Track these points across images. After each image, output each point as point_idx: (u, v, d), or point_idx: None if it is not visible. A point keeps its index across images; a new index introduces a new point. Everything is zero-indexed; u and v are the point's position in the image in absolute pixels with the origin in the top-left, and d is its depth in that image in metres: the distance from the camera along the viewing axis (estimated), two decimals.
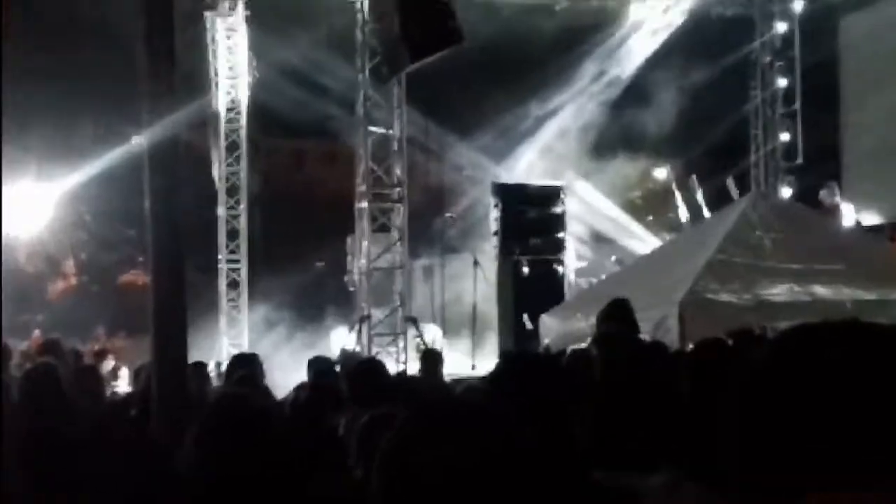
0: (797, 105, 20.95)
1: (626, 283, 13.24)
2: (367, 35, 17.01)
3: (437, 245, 20.57)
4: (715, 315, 11.02)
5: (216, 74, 19.77)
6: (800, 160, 20.91)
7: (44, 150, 21.28)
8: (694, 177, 20.47)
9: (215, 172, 20.26)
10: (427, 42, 14.28)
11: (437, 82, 18.95)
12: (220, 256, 20.09)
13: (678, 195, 20.93)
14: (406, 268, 17.72)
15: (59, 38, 22.32)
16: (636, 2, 20.74)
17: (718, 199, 18.59)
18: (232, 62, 19.72)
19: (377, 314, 17.23)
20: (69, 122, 23.10)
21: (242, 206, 20.07)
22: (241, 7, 18.92)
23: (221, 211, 20.05)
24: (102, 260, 24.71)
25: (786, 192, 20.56)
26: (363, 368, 6.95)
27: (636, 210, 23.39)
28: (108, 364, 14.71)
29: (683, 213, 20.67)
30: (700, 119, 21.82)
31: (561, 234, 19.15)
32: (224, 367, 11.23)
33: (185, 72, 14.16)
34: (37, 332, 18.73)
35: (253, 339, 19.30)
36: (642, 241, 21.34)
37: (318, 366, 9.23)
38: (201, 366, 9.43)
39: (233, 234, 20.08)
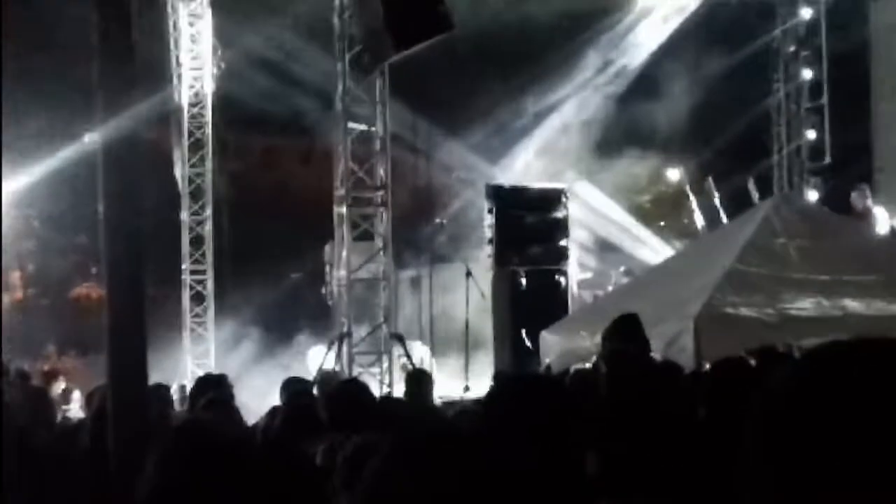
0: (824, 99, 21.02)
1: (636, 296, 13.23)
2: (347, 21, 17.01)
3: (426, 254, 20.56)
4: (734, 332, 11.02)
5: (178, 65, 19.76)
6: (827, 160, 20.97)
7: None
8: (710, 178, 20.49)
9: (178, 173, 20.24)
10: (413, 30, 14.29)
11: (425, 74, 18.95)
12: (183, 267, 20.07)
13: (693, 199, 20.95)
14: (391, 279, 17.70)
15: None
16: None
17: (737, 203, 18.61)
18: (195, 51, 19.72)
19: (359, 331, 17.20)
20: (13, 118, 23.05)
21: (208, 212, 20.06)
22: None
23: (185, 216, 20.04)
24: (52, 271, 24.65)
25: (812, 194, 20.62)
26: (344, 391, 6.94)
27: (646, 215, 23.41)
28: (59, 386, 14.67)
29: (698, 219, 20.68)
30: (717, 114, 21.87)
31: (563, 242, 19.15)
32: (188, 390, 11.20)
33: (144, 62, 14.15)
34: None
35: (220, 358, 19.27)
36: (653, 249, 21.36)
37: (293, 388, 9.21)
38: (163, 389, 9.41)
39: (197, 242, 20.05)
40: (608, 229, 22.01)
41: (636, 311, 8.25)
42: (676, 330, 11.23)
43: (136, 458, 4.83)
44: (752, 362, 6.46)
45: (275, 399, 9.27)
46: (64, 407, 13.76)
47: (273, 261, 23.14)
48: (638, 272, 18.56)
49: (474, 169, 22.71)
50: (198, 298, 19.99)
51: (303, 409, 7.45)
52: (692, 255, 16.07)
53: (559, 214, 19.23)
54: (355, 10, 16.48)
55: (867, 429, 1.30)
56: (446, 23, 14.06)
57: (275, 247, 23.30)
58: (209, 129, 20.02)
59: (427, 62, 16.48)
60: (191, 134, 19.94)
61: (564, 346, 13.21)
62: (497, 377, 11.27)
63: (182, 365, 19.14)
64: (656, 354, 8.85)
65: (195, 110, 19.95)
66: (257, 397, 12.29)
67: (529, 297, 18.19)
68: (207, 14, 19.27)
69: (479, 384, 15.63)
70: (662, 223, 23.20)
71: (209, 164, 20.10)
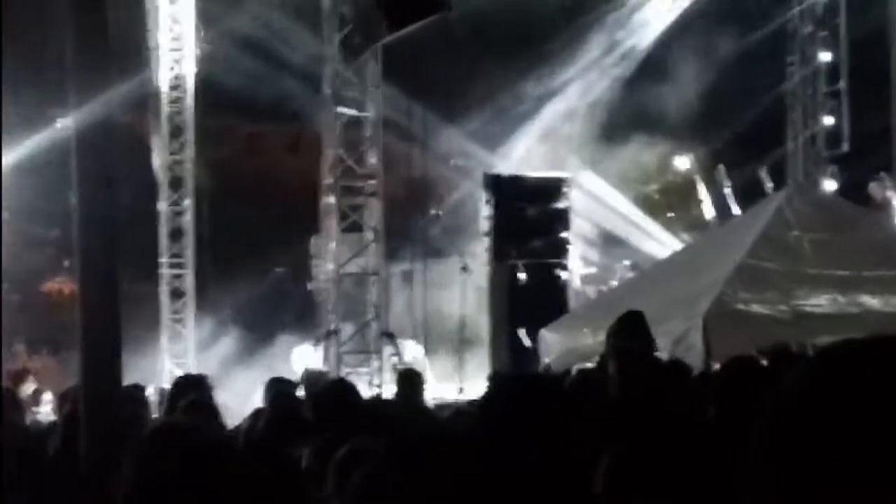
0: (842, 83, 21.01)
1: (641, 291, 13.25)
2: (337, 0, 17.01)
3: (419, 247, 20.58)
4: (745, 330, 11.05)
5: (157, 46, 19.73)
6: (845, 147, 20.96)
7: None
8: (721, 167, 20.51)
9: (156, 161, 20.21)
10: (407, 9, 14.29)
11: (420, 56, 18.95)
12: (161, 260, 20.04)
13: (702, 188, 20.97)
14: (381, 274, 17.72)
15: None
16: None
17: (749, 194, 18.63)
18: (176, 31, 19.68)
19: (347, 328, 17.22)
20: None
21: (188, 202, 20.04)
22: None
23: (163, 207, 20.01)
24: (22, 265, 24.63)
25: (829, 185, 20.60)
26: (331, 391, 6.95)
27: (653, 206, 23.42)
28: (29, 387, 14.69)
29: (708, 210, 20.71)
30: (728, 99, 21.86)
31: (564, 235, 19.18)
32: (166, 392, 11.19)
33: (120, 42, 14.13)
34: None
35: (200, 358, 19.26)
36: (660, 242, 21.38)
37: (278, 389, 9.21)
38: (139, 390, 9.40)
39: (176, 234, 20.03)
40: (612, 221, 22.02)
41: (641, 308, 8.26)
42: (684, 328, 11.26)
43: (109, 463, 4.84)
44: (764, 362, 6.47)
45: (258, 401, 9.27)
46: (34, 409, 13.76)
47: (257, 254, 23.12)
48: (644, 267, 18.57)
49: (471, 157, 22.70)
50: (176, 294, 19.98)
51: (287, 410, 7.45)
52: (701, 248, 16.10)
53: (560, 205, 19.24)
54: None
55: (880, 430, 1.30)
56: (442, 2, 14.05)
57: (259, 239, 23.27)
58: (190, 115, 19.99)
59: (422, 43, 16.49)
60: (170, 119, 19.90)
61: (565, 345, 13.23)
62: (493, 378, 11.27)
63: (160, 365, 19.13)
64: (663, 354, 8.88)
65: (175, 94, 19.92)
66: (239, 399, 12.31)
67: (528, 293, 18.21)
68: None
69: (475, 385, 15.66)
70: (670, 214, 23.22)
71: (189, 152, 20.07)
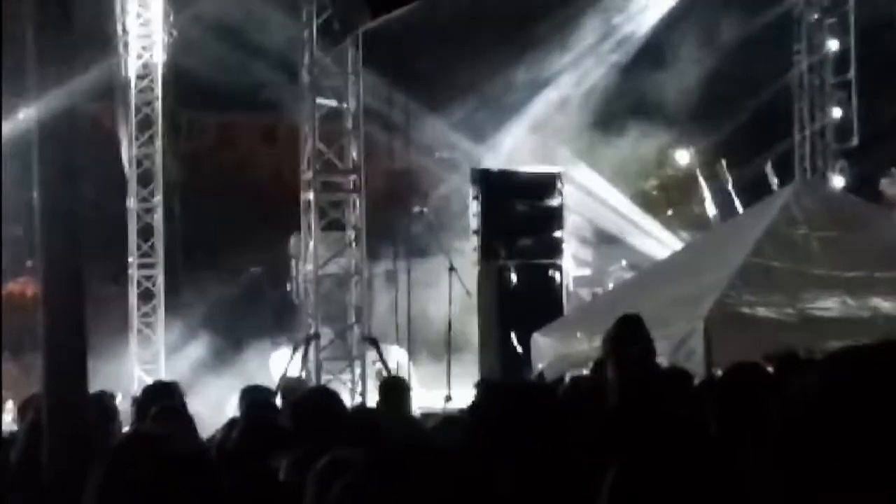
0: (851, 73, 21.06)
1: (639, 294, 13.27)
2: None
3: (403, 246, 20.56)
4: (750, 334, 11.07)
5: (124, 32, 19.69)
6: (855, 141, 21.02)
7: None
8: (723, 161, 20.55)
9: (124, 155, 20.18)
10: None
11: (403, 42, 18.93)
12: (129, 260, 20.02)
13: (704, 184, 21.00)
14: (363, 275, 17.70)
15: None
16: None
17: (754, 190, 18.67)
18: (144, 17, 19.65)
19: (327, 333, 17.20)
20: None
21: (158, 198, 20.01)
22: None
23: (132, 203, 19.98)
24: None
25: (837, 180, 20.67)
26: (311, 398, 6.95)
27: (651, 203, 23.46)
28: None
29: (710, 207, 20.74)
30: (731, 89, 21.91)
31: (557, 233, 19.18)
32: (135, 399, 11.17)
33: (85, 28, 14.10)
34: None
35: (170, 363, 19.24)
36: (658, 241, 21.41)
37: (254, 397, 9.21)
38: (106, 397, 9.39)
39: (146, 233, 20.00)
40: (608, 219, 22.05)
41: (639, 311, 8.27)
42: (685, 332, 11.27)
43: (74, 475, 4.83)
44: (770, 369, 6.48)
45: (233, 409, 9.26)
46: None
47: (231, 254, 23.12)
48: (641, 267, 18.59)
49: (458, 150, 22.72)
50: (146, 296, 19.94)
51: (264, 420, 7.44)
52: (702, 247, 16.12)
53: (553, 202, 19.25)
54: None
55: (888, 437, 1.31)
56: None
57: (233, 238, 23.27)
58: (159, 105, 19.96)
59: (405, 29, 16.47)
60: (138, 110, 19.87)
61: (559, 351, 13.24)
62: (481, 385, 11.27)
63: (128, 371, 19.10)
64: (662, 359, 8.89)
65: (143, 83, 19.89)
66: (213, 407, 12.29)
67: (520, 295, 18.22)
68: None
69: (463, 393, 15.65)
70: (670, 212, 23.26)
71: (159, 145, 20.04)
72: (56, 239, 6.29)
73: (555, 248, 19.11)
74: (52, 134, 6.30)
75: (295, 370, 16.45)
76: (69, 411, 6.19)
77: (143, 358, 19.61)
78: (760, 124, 21.83)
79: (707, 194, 20.82)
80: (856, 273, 12.24)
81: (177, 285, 20.77)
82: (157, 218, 20.02)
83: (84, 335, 6.34)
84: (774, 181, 18.84)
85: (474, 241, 19.10)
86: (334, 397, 7.06)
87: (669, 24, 21.56)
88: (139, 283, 19.93)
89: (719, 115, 22.32)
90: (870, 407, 1.35)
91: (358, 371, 17.09)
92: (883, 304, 11.92)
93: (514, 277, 18.53)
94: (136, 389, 15.00)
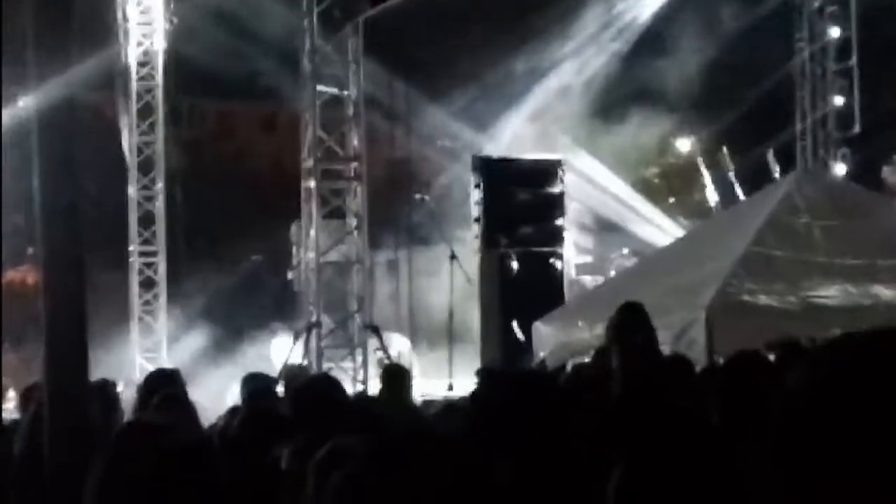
0: (853, 61, 21.03)
1: (640, 282, 13.27)
2: None
3: (404, 234, 20.56)
4: (751, 322, 11.06)
5: (125, 19, 19.67)
6: (857, 129, 20.99)
7: None
8: (725, 149, 20.53)
9: (124, 143, 20.17)
10: None
11: (403, 30, 18.91)
12: (130, 248, 20.01)
13: (705, 172, 20.99)
14: (365, 263, 17.70)
15: None
16: None
17: (755, 178, 18.65)
18: (144, 4, 19.63)
19: (328, 321, 17.20)
20: None
21: (159, 185, 19.99)
22: None
23: (132, 191, 19.97)
24: None
25: (839, 168, 20.65)
26: (312, 386, 6.94)
27: (653, 190, 23.44)
28: None
29: (711, 195, 20.73)
30: (733, 77, 21.88)
31: (559, 221, 19.18)
32: (138, 388, 11.17)
33: (84, 15, 14.08)
34: None
35: (172, 351, 19.25)
36: (660, 229, 21.41)
37: (255, 385, 9.21)
38: (108, 385, 9.39)
39: (147, 220, 19.99)
40: (609, 206, 22.04)
41: (641, 300, 8.27)
42: (686, 321, 11.27)
43: (75, 464, 4.83)
44: (772, 357, 6.47)
45: (233, 397, 9.26)
46: None
47: (232, 241, 23.10)
48: (643, 255, 18.59)
49: (459, 138, 22.70)
50: (147, 284, 19.94)
51: (265, 408, 7.45)
52: (704, 236, 16.11)
53: (554, 190, 19.24)
54: None
55: (887, 431, 1.30)
56: None
57: (234, 226, 23.25)
58: (160, 93, 19.94)
59: (405, 16, 16.44)
60: (139, 98, 19.85)
61: (560, 339, 13.24)
62: (482, 373, 11.27)
63: (129, 359, 19.10)
64: (664, 348, 8.88)
65: (144, 71, 19.87)
66: (214, 395, 12.30)
67: (521, 283, 18.22)
68: None
69: (465, 381, 15.65)
70: (671, 200, 23.25)
71: (160, 133, 20.02)
72: (57, 227, 6.27)
73: (556, 236, 19.11)
74: (52, 122, 6.29)
75: (296, 358, 16.47)
76: (70, 401, 6.19)
77: (145, 346, 19.61)
78: (762, 112, 21.80)
79: (708, 182, 20.82)
80: (857, 261, 12.24)
81: (178, 274, 20.77)
82: (159, 206, 20.01)
83: (85, 324, 6.34)
84: (776, 169, 18.82)
85: (475, 229, 19.10)
86: (335, 385, 7.06)
87: (671, 12, 21.53)
88: (140, 272, 19.92)
89: (721, 103, 22.30)
90: (869, 398, 1.34)
91: (359, 359, 17.09)
92: (885, 292, 11.91)
93: (515, 265, 18.53)
94: (138, 377, 15.00)
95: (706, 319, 11.14)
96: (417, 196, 20.92)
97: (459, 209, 20.48)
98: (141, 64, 19.85)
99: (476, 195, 19.13)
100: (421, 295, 19.95)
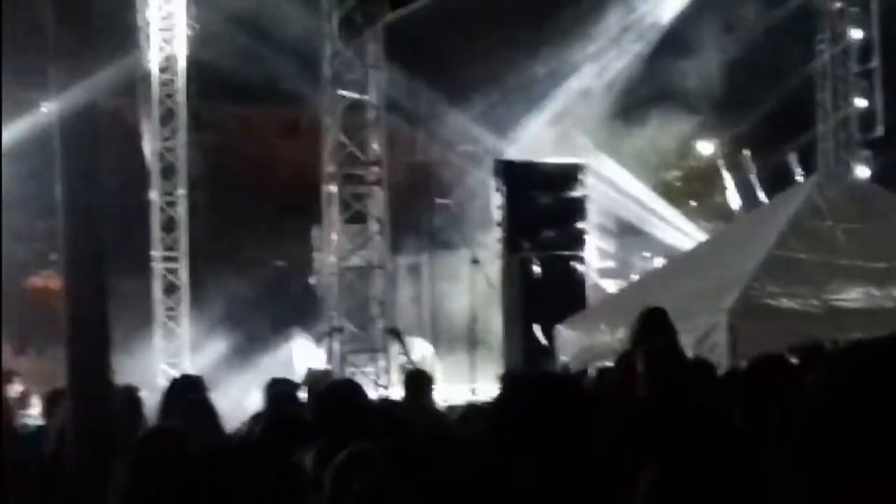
0: (875, 62, 20.97)
1: (662, 286, 13.25)
2: None
3: (426, 239, 20.56)
4: (774, 325, 11.03)
5: (147, 25, 19.72)
6: (879, 131, 20.93)
7: None
8: (747, 152, 20.49)
9: (146, 148, 20.21)
10: None
11: (425, 35, 18.92)
12: (153, 254, 20.04)
13: (727, 175, 20.95)
14: (387, 267, 17.71)
15: None
16: None
17: (777, 181, 18.62)
18: (166, 10, 19.67)
19: (351, 325, 17.21)
20: None
21: (181, 191, 20.02)
22: None
23: (155, 196, 20.00)
24: (6, 259, 24.66)
25: (862, 171, 20.59)
26: (334, 391, 6.94)
27: (674, 194, 23.41)
28: (16, 389, 14.66)
29: (733, 198, 20.69)
30: (754, 79, 21.84)
31: (580, 225, 19.17)
32: (161, 394, 11.18)
33: (106, 21, 14.12)
34: None
35: (195, 357, 19.27)
36: (682, 232, 21.38)
37: (278, 390, 9.22)
38: (132, 391, 9.40)
39: (169, 226, 20.02)
40: (631, 210, 22.01)
41: (663, 304, 8.25)
42: (709, 324, 11.25)
43: (100, 470, 4.84)
44: (795, 361, 6.45)
45: (255, 402, 9.26)
46: (21, 412, 13.76)
47: (254, 247, 23.15)
48: (664, 259, 18.57)
49: (480, 142, 22.70)
50: (170, 290, 19.97)
51: (288, 413, 7.45)
52: (726, 239, 16.08)
53: (576, 193, 19.23)
54: None
55: None
56: None
57: (256, 231, 23.30)
58: (181, 99, 19.97)
59: (426, 20, 16.44)
60: (161, 104, 19.89)
61: (583, 343, 13.25)
62: (505, 378, 11.27)
63: (152, 365, 19.13)
64: (687, 352, 8.86)
65: (166, 77, 19.91)
66: (236, 401, 12.29)
67: (543, 287, 18.21)
68: None
69: (488, 385, 15.65)
70: (693, 203, 23.22)
71: (182, 138, 20.05)
72: (78, 233, 6.28)
73: (578, 240, 19.10)
74: (74, 128, 6.30)
75: (319, 363, 16.48)
76: (94, 405, 6.20)
77: (168, 352, 19.63)
78: (783, 114, 21.75)
79: (730, 185, 20.79)
80: (881, 264, 12.21)
81: (200, 279, 20.79)
82: (181, 211, 20.02)
83: (108, 329, 6.35)
84: (798, 172, 18.78)
85: (497, 233, 19.10)
86: (357, 389, 7.05)
87: (692, 14, 21.50)
88: (163, 277, 19.94)
89: (742, 105, 22.26)
90: (890, 400, 1.34)
91: (381, 364, 17.09)
92: None
93: (537, 269, 18.52)
94: (161, 383, 15.03)
95: (728, 323, 11.12)
96: (439, 200, 20.93)
97: (481, 213, 20.48)
98: (162, 69, 19.89)
99: (498, 199, 19.14)
100: (443, 299, 19.94)
